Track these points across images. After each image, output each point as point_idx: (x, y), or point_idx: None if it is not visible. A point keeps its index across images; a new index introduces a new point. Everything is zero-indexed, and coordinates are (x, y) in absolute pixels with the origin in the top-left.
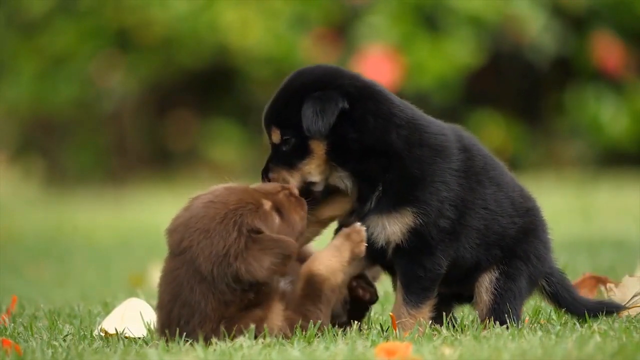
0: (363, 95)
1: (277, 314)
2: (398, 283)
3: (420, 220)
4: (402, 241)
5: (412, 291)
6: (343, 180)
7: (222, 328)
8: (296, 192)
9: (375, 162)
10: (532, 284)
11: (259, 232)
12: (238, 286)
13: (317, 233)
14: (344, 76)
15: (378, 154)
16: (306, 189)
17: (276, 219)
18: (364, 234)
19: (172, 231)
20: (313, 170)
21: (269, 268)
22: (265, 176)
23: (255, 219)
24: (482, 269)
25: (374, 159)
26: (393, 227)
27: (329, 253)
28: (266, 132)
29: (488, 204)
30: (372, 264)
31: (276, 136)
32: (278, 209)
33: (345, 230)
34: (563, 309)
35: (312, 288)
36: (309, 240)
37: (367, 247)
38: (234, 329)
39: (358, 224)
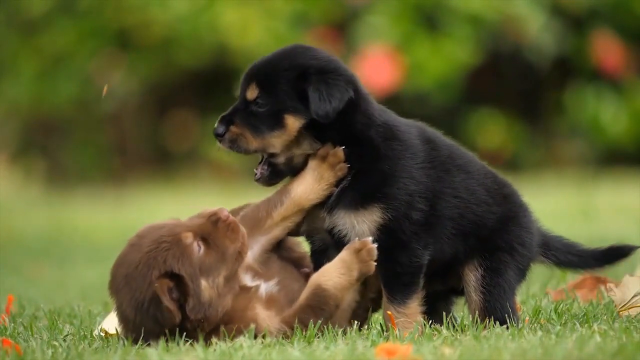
0: (358, 89)
1: (266, 318)
2: (381, 282)
3: (389, 216)
4: (372, 241)
5: (395, 289)
6: (309, 154)
7: (222, 328)
8: (224, 215)
9: (352, 152)
10: (522, 272)
11: (172, 273)
12: (164, 329)
13: (286, 230)
14: (344, 66)
15: (356, 144)
16: (270, 164)
17: (199, 250)
18: (374, 253)
19: (110, 272)
20: (278, 144)
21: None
22: (225, 125)
23: (169, 258)
24: (462, 262)
25: (351, 148)
26: (361, 226)
27: (338, 269)
28: (242, 84)
29: (459, 192)
30: None
31: (252, 93)
32: (203, 237)
33: (355, 245)
34: (575, 270)
35: (318, 301)
36: (277, 238)
37: (340, 244)
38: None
39: (370, 239)
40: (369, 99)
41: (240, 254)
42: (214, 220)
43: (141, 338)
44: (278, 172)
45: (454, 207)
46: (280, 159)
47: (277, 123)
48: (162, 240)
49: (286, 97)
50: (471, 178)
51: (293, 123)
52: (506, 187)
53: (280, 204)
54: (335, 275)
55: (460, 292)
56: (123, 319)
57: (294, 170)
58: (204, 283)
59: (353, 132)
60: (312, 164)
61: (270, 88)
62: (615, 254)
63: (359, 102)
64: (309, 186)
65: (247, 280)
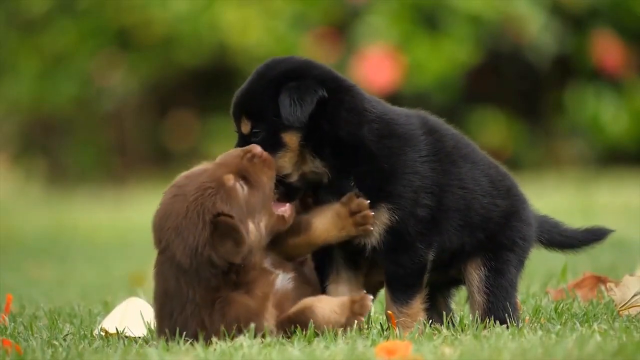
0: (338, 87)
1: (269, 317)
2: (384, 281)
3: (396, 217)
4: (378, 242)
5: (398, 289)
6: (318, 172)
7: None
8: (258, 151)
9: (348, 156)
10: (522, 263)
11: (222, 213)
12: (217, 270)
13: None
14: (319, 67)
15: (350, 147)
16: (284, 185)
17: (243, 190)
18: (368, 309)
19: (153, 229)
20: (287, 163)
21: (232, 250)
22: None
23: (217, 202)
24: (467, 255)
25: (347, 152)
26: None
27: (335, 307)
28: (234, 122)
29: (465, 183)
30: (352, 259)
31: (246, 127)
32: (244, 176)
33: (355, 295)
34: (561, 250)
35: (302, 321)
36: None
37: (347, 241)
38: (228, 315)
39: (370, 297)
40: (356, 94)
41: (284, 219)
42: (250, 157)
43: (195, 292)
44: (295, 189)
45: (461, 198)
46: (294, 178)
47: (277, 144)
48: (206, 187)
49: (276, 117)
50: (476, 168)
51: (291, 139)
52: (507, 179)
53: (297, 235)
54: (330, 309)
55: (460, 282)
56: (176, 273)
57: (310, 184)
58: (250, 224)
59: (342, 134)
60: (338, 209)
61: (259, 115)
62: (592, 236)
63: (341, 98)
64: (328, 230)
65: (267, 264)
